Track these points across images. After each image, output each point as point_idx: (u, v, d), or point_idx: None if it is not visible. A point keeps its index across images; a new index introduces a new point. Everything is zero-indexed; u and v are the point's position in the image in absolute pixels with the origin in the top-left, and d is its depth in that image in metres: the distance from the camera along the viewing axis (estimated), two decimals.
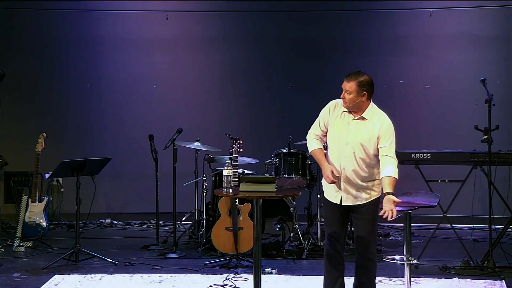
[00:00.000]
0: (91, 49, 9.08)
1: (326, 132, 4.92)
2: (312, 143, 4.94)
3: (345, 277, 5.06)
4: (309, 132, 5.00)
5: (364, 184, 4.83)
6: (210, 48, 9.11)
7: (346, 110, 4.86)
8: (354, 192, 4.83)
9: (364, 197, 4.85)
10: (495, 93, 6.37)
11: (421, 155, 6.88)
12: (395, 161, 4.78)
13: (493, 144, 6.31)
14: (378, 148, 4.81)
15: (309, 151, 4.97)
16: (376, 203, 4.90)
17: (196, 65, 9.12)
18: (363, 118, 4.84)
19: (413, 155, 6.88)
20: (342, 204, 4.85)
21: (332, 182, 4.77)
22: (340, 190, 4.85)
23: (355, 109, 4.84)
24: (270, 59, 9.06)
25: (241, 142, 6.48)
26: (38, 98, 9.09)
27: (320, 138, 4.93)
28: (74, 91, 9.12)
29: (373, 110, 4.88)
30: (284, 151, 7.20)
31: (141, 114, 9.06)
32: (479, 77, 6.50)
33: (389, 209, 4.63)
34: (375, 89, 9.42)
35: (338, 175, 4.76)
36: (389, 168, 4.72)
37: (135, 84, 9.10)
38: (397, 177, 4.72)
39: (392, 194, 4.68)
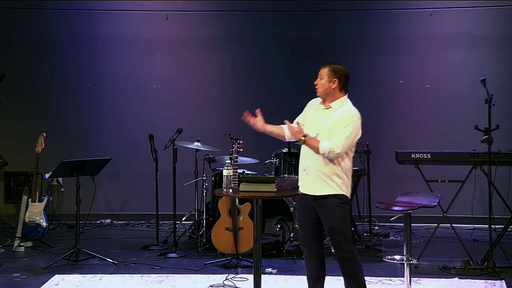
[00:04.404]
0: (91, 49, 9.09)
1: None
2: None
3: (327, 277, 5.07)
4: None
5: (323, 174, 4.79)
6: (210, 48, 9.12)
7: (321, 104, 4.94)
8: (312, 180, 4.83)
9: (322, 188, 4.79)
10: (495, 93, 6.37)
11: (421, 155, 6.88)
12: (333, 145, 4.71)
13: (493, 144, 6.31)
14: None
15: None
16: (341, 202, 4.79)
17: (196, 65, 9.12)
18: (330, 107, 4.91)
19: (413, 155, 6.88)
20: (302, 192, 4.88)
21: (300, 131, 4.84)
22: (303, 179, 4.92)
23: (327, 97, 4.92)
24: (270, 59, 9.06)
25: (241, 142, 6.47)
26: (38, 98, 9.09)
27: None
28: (74, 91, 9.12)
29: (343, 102, 4.91)
30: (284, 151, 7.21)
31: (141, 114, 9.07)
32: (479, 77, 6.49)
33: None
34: (375, 89, 9.44)
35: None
36: (325, 143, 4.75)
37: (135, 84, 9.11)
38: (320, 149, 4.71)
39: (305, 137, 4.78)
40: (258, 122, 5.12)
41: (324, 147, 4.72)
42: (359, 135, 4.88)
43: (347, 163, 4.84)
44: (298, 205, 5.10)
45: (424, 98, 8.88)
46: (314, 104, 5.03)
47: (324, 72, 4.94)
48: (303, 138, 4.79)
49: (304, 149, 4.95)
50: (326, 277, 5.00)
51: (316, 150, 4.75)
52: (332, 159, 4.75)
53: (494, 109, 6.29)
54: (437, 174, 6.95)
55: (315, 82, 4.95)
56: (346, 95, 4.93)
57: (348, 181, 4.87)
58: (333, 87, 4.88)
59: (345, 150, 4.76)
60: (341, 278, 4.87)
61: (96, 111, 9.11)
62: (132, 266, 6.56)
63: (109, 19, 9.09)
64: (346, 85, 4.93)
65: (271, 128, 5.15)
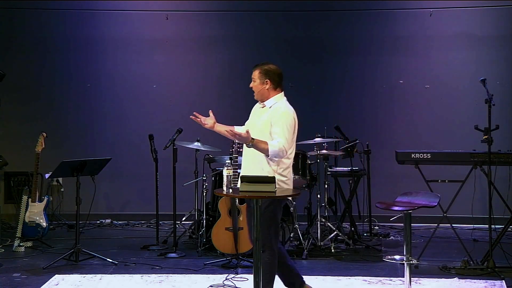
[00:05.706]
0: (91, 49, 9.09)
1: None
2: None
3: (327, 277, 5.00)
4: None
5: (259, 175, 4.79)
6: (210, 48, 9.12)
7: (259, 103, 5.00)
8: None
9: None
10: (495, 93, 6.36)
11: (421, 155, 6.87)
12: (280, 143, 4.73)
13: (493, 144, 6.31)
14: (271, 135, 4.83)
15: None
16: (273, 201, 4.82)
17: (196, 65, 9.13)
18: (264, 106, 4.96)
19: (413, 155, 6.87)
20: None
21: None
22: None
23: (262, 98, 4.96)
24: (269, 59, 8.85)
25: None
26: (38, 98, 9.10)
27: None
28: (75, 91, 9.13)
29: (276, 100, 4.95)
30: None
31: (141, 114, 9.07)
32: (479, 77, 6.49)
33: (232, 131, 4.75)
34: (375, 89, 9.41)
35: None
36: (272, 141, 4.75)
37: (135, 84, 9.11)
38: (269, 150, 4.70)
39: (253, 140, 4.70)
40: (208, 122, 5.13)
41: (273, 145, 4.72)
42: (296, 132, 4.89)
43: (286, 162, 4.86)
44: (248, 210, 4.98)
45: (424, 98, 8.89)
46: (255, 107, 5.10)
47: (255, 74, 4.98)
48: (251, 141, 4.72)
49: (244, 157, 4.96)
50: (326, 277, 4.99)
51: (266, 152, 4.73)
52: (281, 157, 4.75)
53: (494, 109, 6.29)
54: (437, 174, 6.94)
55: (250, 85, 4.99)
56: (282, 93, 4.98)
57: (285, 179, 4.87)
58: (266, 88, 4.94)
59: (289, 147, 4.78)
60: (341, 277, 4.87)
61: (96, 111, 9.11)
62: (132, 266, 6.56)
63: (109, 19, 9.09)
64: (280, 83, 4.97)
65: (219, 128, 5.17)
